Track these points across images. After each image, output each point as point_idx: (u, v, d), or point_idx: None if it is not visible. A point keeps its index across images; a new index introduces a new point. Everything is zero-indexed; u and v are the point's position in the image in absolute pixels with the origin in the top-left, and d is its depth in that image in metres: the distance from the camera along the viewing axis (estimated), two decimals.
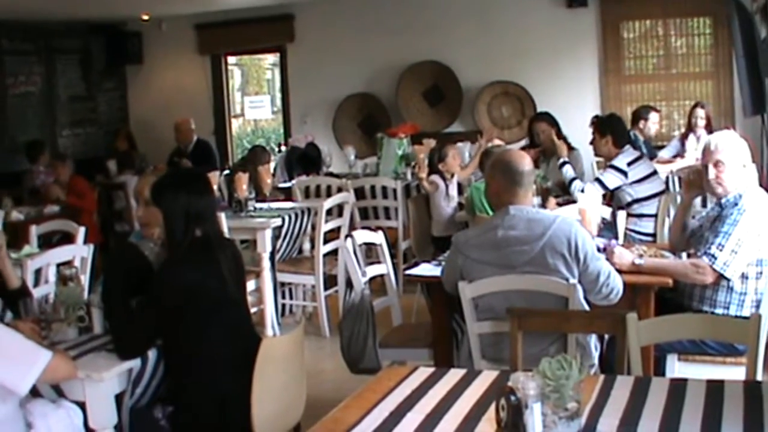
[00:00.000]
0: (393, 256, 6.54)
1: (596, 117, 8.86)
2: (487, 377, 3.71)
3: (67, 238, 8.30)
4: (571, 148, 8.74)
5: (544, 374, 3.01)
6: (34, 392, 3.95)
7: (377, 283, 6.07)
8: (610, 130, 7.85)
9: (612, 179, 7.59)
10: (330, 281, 8.27)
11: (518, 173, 4.86)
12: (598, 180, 7.67)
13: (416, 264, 6.69)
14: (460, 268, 4.89)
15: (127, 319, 4.20)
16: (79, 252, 6.89)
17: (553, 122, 9.07)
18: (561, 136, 8.87)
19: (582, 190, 7.54)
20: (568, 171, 8.09)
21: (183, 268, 4.20)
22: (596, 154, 8.38)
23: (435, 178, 8.40)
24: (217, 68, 14.60)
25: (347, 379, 6.00)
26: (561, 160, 8.21)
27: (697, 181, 5.58)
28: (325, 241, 8.11)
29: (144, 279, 4.45)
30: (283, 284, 8.28)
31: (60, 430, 4.01)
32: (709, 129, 10.33)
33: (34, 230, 7.82)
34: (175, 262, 4.27)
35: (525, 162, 4.96)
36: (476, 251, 4.84)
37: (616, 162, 7.65)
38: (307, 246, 8.63)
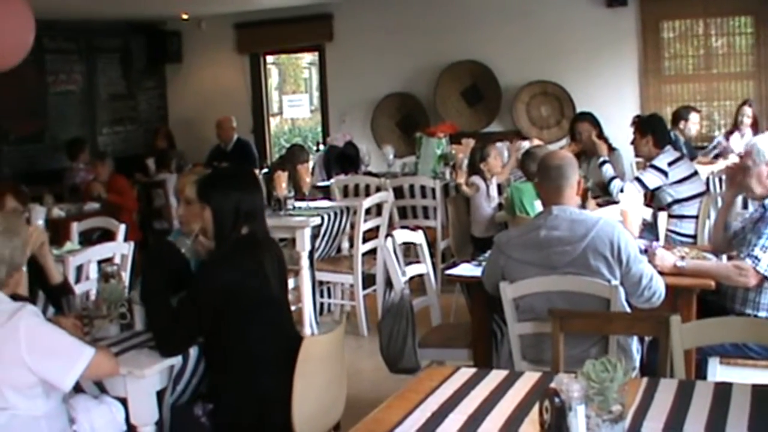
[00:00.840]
0: (431, 256, 6.52)
1: (637, 117, 8.83)
2: (529, 378, 3.71)
3: (107, 236, 8.35)
4: (611, 149, 8.70)
5: (588, 376, 2.99)
6: (77, 388, 3.97)
7: (415, 283, 6.06)
8: (651, 130, 7.82)
9: (652, 179, 7.55)
10: (368, 280, 8.27)
11: (555, 168, 4.88)
12: (637, 179, 7.63)
13: (455, 264, 6.69)
14: (502, 267, 4.89)
15: (168, 317, 4.21)
16: (120, 249, 6.92)
17: (595, 122, 9.02)
18: (602, 136, 8.83)
19: (621, 189, 7.50)
20: (608, 170, 8.04)
21: (224, 268, 4.20)
22: (637, 155, 8.34)
23: (475, 179, 8.35)
24: (255, 67, 14.64)
25: (385, 378, 6.03)
26: (601, 159, 8.17)
27: (739, 176, 5.52)
28: (364, 240, 8.10)
29: (181, 276, 4.47)
30: (321, 283, 8.29)
31: (102, 426, 4.03)
32: (756, 128, 10.26)
33: (75, 227, 7.86)
34: (217, 260, 4.28)
35: (562, 157, 5.01)
36: (518, 251, 4.84)
37: (656, 162, 7.61)
38: (345, 245, 8.64)
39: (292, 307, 6.98)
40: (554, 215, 4.80)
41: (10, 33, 8.32)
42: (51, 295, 4.86)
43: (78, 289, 5.71)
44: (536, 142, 11.06)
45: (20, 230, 3.92)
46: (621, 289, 4.64)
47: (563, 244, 4.72)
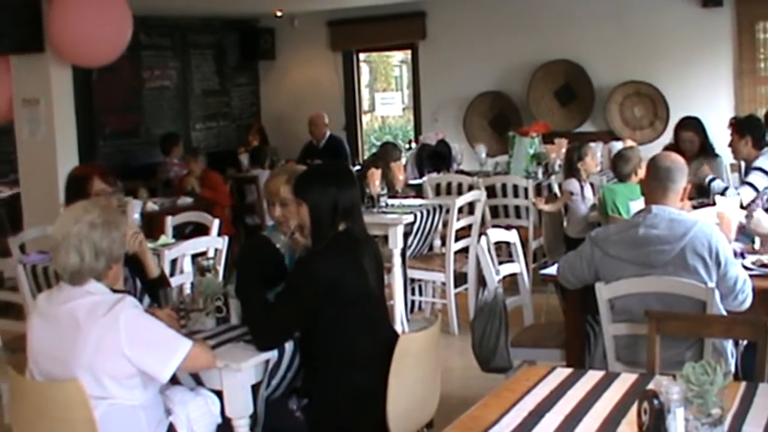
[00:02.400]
0: (524, 255, 6.50)
1: (734, 118, 8.67)
2: (625, 380, 3.67)
3: (199, 230, 8.43)
4: (714, 155, 8.57)
5: (688, 379, 2.96)
6: (174, 380, 4.03)
7: (506, 282, 6.04)
8: (749, 132, 7.71)
9: (759, 180, 7.44)
10: (459, 279, 8.25)
11: (664, 169, 4.89)
12: (749, 183, 7.52)
13: (546, 264, 6.65)
14: (596, 264, 4.88)
15: (264, 311, 4.24)
16: (215, 243, 6.98)
17: (700, 129, 8.82)
18: (707, 144, 8.67)
19: (722, 192, 7.40)
20: (718, 183, 7.87)
21: (323, 263, 4.21)
22: (735, 157, 8.22)
23: (569, 184, 8.23)
24: (348, 65, 14.69)
25: (475, 377, 6.01)
26: (708, 179, 7.97)
27: None
28: (456, 239, 8.08)
29: (277, 271, 4.50)
30: (413, 281, 8.28)
31: (198, 418, 4.09)
32: None
33: (169, 221, 7.95)
34: (316, 255, 4.29)
35: (674, 159, 4.99)
36: (615, 248, 4.83)
37: (759, 163, 7.50)
38: (437, 243, 8.62)
39: None
40: (653, 214, 4.80)
41: (109, 29, 8.46)
42: (148, 287, 4.92)
43: (172, 282, 5.77)
44: (629, 143, 10.96)
45: (119, 223, 3.96)
46: (717, 292, 4.61)
47: (662, 243, 4.71)
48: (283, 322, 4.21)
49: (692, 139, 8.68)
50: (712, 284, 4.62)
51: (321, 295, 4.15)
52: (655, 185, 4.91)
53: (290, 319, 4.21)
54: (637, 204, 6.50)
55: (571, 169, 8.37)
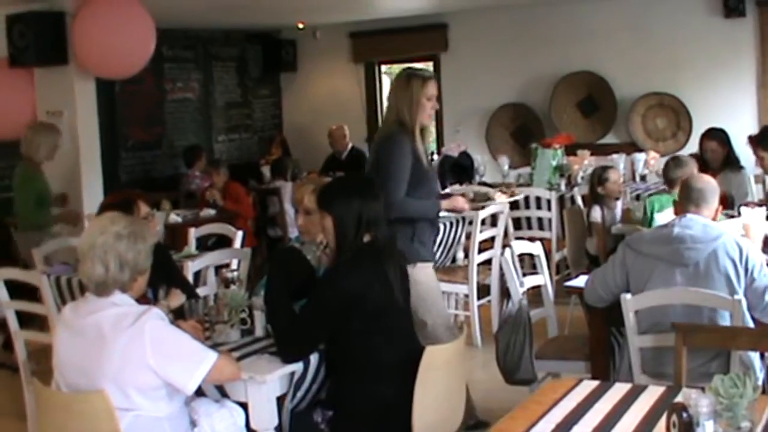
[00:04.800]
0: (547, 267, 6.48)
1: (750, 136, 8.66)
2: (653, 392, 3.65)
3: (222, 242, 8.45)
4: (739, 167, 8.53)
5: (717, 392, 2.95)
6: (199, 391, 4.01)
7: (528, 294, 6.03)
8: None
9: None
10: (482, 291, 8.22)
11: (697, 190, 5.05)
12: None
13: (569, 275, 6.64)
14: (628, 267, 4.95)
15: (291, 322, 4.23)
16: (238, 255, 6.98)
17: (725, 140, 8.78)
18: (731, 155, 8.64)
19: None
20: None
21: (350, 274, 4.21)
22: (766, 171, 8.22)
23: (592, 212, 8.13)
24: (370, 76, 14.69)
25: (499, 389, 5.99)
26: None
27: None
28: (479, 251, 8.06)
29: (306, 283, 4.49)
30: None
31: (223, 429, 4.09)
32: None
33: (192, 233, 7.96)
34: (342, 267, 4.29)
35: (707, 181, 5.15)
36: (648, 246, 4.93)
37: None
38: (460, 255, 8.61)
39: None
40: (688, 218, 4.92)
41: (133, 42, 8.49)
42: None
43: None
44: (652, 154, 10.95)
45: (146, 235, 3.96)
46: (744, 303, 4.61)
47: (695, 241, 4.80)
48: (308, 334, 4.20)
49: (716, 149, 8.66)
50: (738, 296, 4.63)
51: (347, 307, 4.14)
52: (688, 204, 5.03)
53: (315, 332, 4.20)
54: (663, 215, 6.49)
55: (592, 194, 8.29)
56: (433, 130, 13.23)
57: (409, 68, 5.85)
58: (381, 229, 4.40)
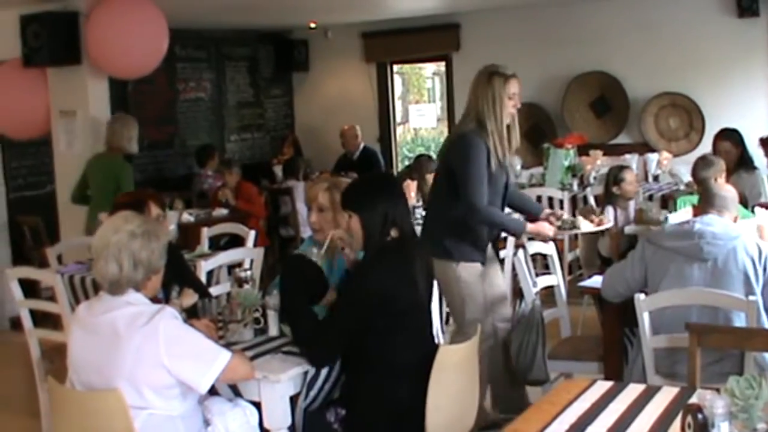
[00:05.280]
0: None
1: (761, 139, 8.65)
2: (667, 393, 3.64)
3: (234, 241, 8.46)
4: (752, 168, 8.51)
5: (732, 393, 2.94)
6: (212, 390, 4.03)
7: (541, 294, 6.03)
8: None
9: None
10: None
11: (720, 197, 5.11)
12: None
13: (582, 276, 6.63)
14: (647, 261, 4.97)
15: (317, 327, 4.23)
16: (251, 255, 6.99)
17: (739, 141, 8.76)
18: (745, 156, 8.62)
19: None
20: None
21: (378, 273, 4.20)
22: None
23: (606, 213, 8.12)
24: (382, 76, 14.68)
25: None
26: None
27: None
28: None
29: (319, 286, 4.49)
30: None
31: (236, 429, 4.09)
32: None
33: (205, 232, 7.98)
34: (369, 266, 4.29)
35: (729, 189, 5.25)
36: (669, 240, 4.95)
37: None
38: None
39: None
40: (710, 217, 4.98)
41: (146, 41, 8.50)
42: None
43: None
44: (664, 154, 10.92)
45: (159, 234, 3.97)
46: (761, 303, 4.61)
47: (716, 237, 4.84)
48: (338, 334, 4.18)
49: (729, 149, 8.63)
50: (753, 297, 4.63)
51: (375, 305, 4.13)
52: (711, 209, 5.06)
53: (346, 332, 4.17)
54: (678, 215, 6.47)
55: (607, 194, 8.27)
56: (444, 130, 13.20)
57: (490, 66, 5.79)
58: (406, 227, 4.40)
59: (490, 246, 5.97)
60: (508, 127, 5.76)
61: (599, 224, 6.01)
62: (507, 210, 6.17)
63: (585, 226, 6.02)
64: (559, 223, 5.99)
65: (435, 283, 4.94)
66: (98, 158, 8.85)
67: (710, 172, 7.25)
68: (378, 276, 4.18)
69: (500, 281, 6.00)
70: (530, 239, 6.09)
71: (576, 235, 8.78)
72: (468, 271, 5.81)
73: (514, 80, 5.71)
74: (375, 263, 4.26)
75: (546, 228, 5.88)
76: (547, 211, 6.20)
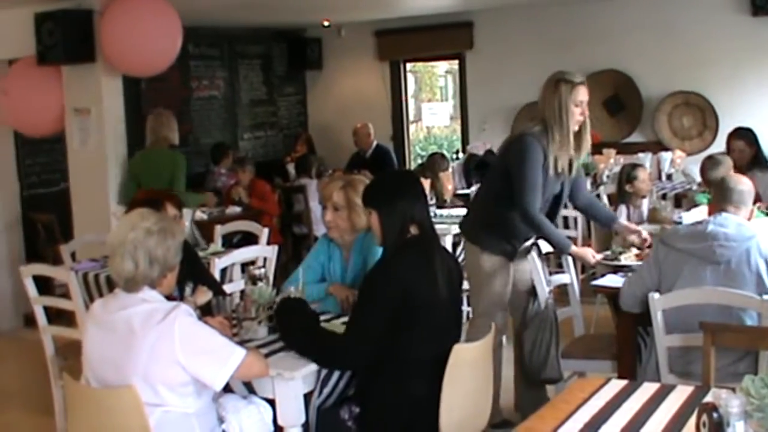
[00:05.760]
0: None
1: None
2: (682, 392, 3.63)
3: (247, 239, 8.47)
4: (766, 167, 8.49)
5: (748, 392, 2.94)
6: (226, 388, 4.02)
7: (554, 293, 6.03)
8: None
9: None
10: None
11: (737, 192, 5.00)
12: None
13: (595, 275, 6.62)
14: (661, 263, 4.91)
15: (343, 334, 4.24)
16: (264, 253, 7.00)
17: (753, 140, 8.73)
18: (759, 155, 8.59)
19: None
20: None
21: (399, 265, 4.23)
22: None
23: (618, 213, 8.11)
24: (396, 74, 14.68)
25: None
26: None
27: None
28: None
29: (308, 315, 4.50)
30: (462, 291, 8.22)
31: (250, 426, 4.11)
32: None
33: (219, 230, 8.00)
34: (391, 259, 4.31)
35: (745, 182, 5.08)
36: (682, 241, 4.90)
37: None
38: None
39: None
40: (723, 216, 4.90)
41: (160, 39, 8.51)
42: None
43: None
44: (678, 153, 10.91)
45: (175, 232, 3.98)
46: None
47: (729, 239, 4.78)
48: (367, 331, 4.17)
49: (743, 149, 8.60)
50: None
51: (399, 297, 4.14)
52: (726, 204, 4.99)
53: (374, 326, 4.16)
54: (692, 214, 6.46)
55: (620, 192, 8.25)
56: (457, 128, 13.17)
57: (558, 72, 5.70)
58: (426, 222, 4.42)
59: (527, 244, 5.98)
60: (578, 134, 5.72)
61: (640, 258, 5.96)
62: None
63: (627, 259, 5.98)
64: (600, 257, 5.95)
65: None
66: (147, 154, 9.14)
67: (720, 171, 7.24)
68: (398, 272, 4.19)
69: (525, 277, 5.98)
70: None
71: (589, 234, 8.78)
72: (491, 261, 5.86)
73: (582, 87, 5.62)
74: (395, 260, 4.28)
75: (589, 255, 5.85)
76: (623, 222, 6.13)
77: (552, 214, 5.82)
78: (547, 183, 5.66)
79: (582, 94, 5.62)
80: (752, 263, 4.71)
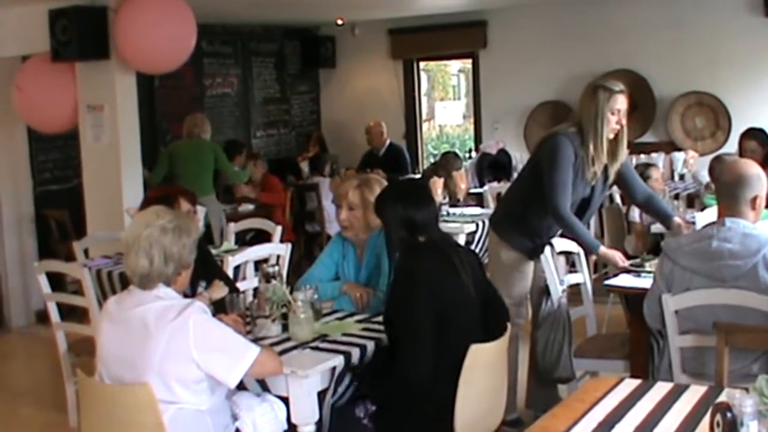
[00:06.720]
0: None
1: None
2: (695, 392, 3.62)
3: (260, 236, 8.48)
4: None
5: (761, 392, 2.93)
6: (240, 385, 4.04)
7: (567, 292, 6.02)
8: None
9: None
10: None
11: (729, 182, 4.75)
12: None
13: (607, 274, 6.60)
14: (667, 276, 4.79)
15: (401, 350, 4.23)
16: (278, 250, 7.00)
17: (765, 141, 8.70)
18: None
19: None
20: None
21: (418, 260, 4.27)
22: None
23: (631, 212, 8.10)
24: (409, 73, 14.66)
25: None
26: None
27: None
28: None
29: None
30: None
31: (264, 424, 4.11)
32: None
33: (232, 227, 8.00)
34: (411, 266, 4.31)
35: (738, 168, 4.81)
36: (686, 259, 4.73)
37: None
38: None
39: None
40: (727, 227, 4.67)
41: (174, 37, 8.52)
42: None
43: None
44: (691, 153, 10.89)
45: (191, 229, 3.99)
46: None
47: (735, 258, 4.60)
48: (417, 331, 4.17)
49: (755, 149, 8.60)
50: None
51: (429, 290, 4.16)
52: (725, 197, 4.78)
53: (423, 326, 4.16)
54: (704, 215, 6.43)
55: None
56: (469, 127, 13.14)
57: (598, 79, 5.72)
58: (432, 229, 4.45)
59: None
60: (613, 142, 5.71)
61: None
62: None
63: (650, 266, 5.94)
64: (627, 264, 5.91)
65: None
66: (188, 142, 10.40)
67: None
68: (421, 269, 4.22)
69: (542, 276, 5.97)
70: (562, 235, 6.06)
71: (602, 233, 8.77)
72: (509, 255, 5.88)
73: (621, 96, 5.62)
74: (414, 261, 4.29)
75: (617, 259, 5.79)
76: (677, 220, 6.08)
77: (578, 218, 5.79)
78: (576, 184, 5.65)
79: (620, 102, 5.61)
80: (760, 281, 4.54)
